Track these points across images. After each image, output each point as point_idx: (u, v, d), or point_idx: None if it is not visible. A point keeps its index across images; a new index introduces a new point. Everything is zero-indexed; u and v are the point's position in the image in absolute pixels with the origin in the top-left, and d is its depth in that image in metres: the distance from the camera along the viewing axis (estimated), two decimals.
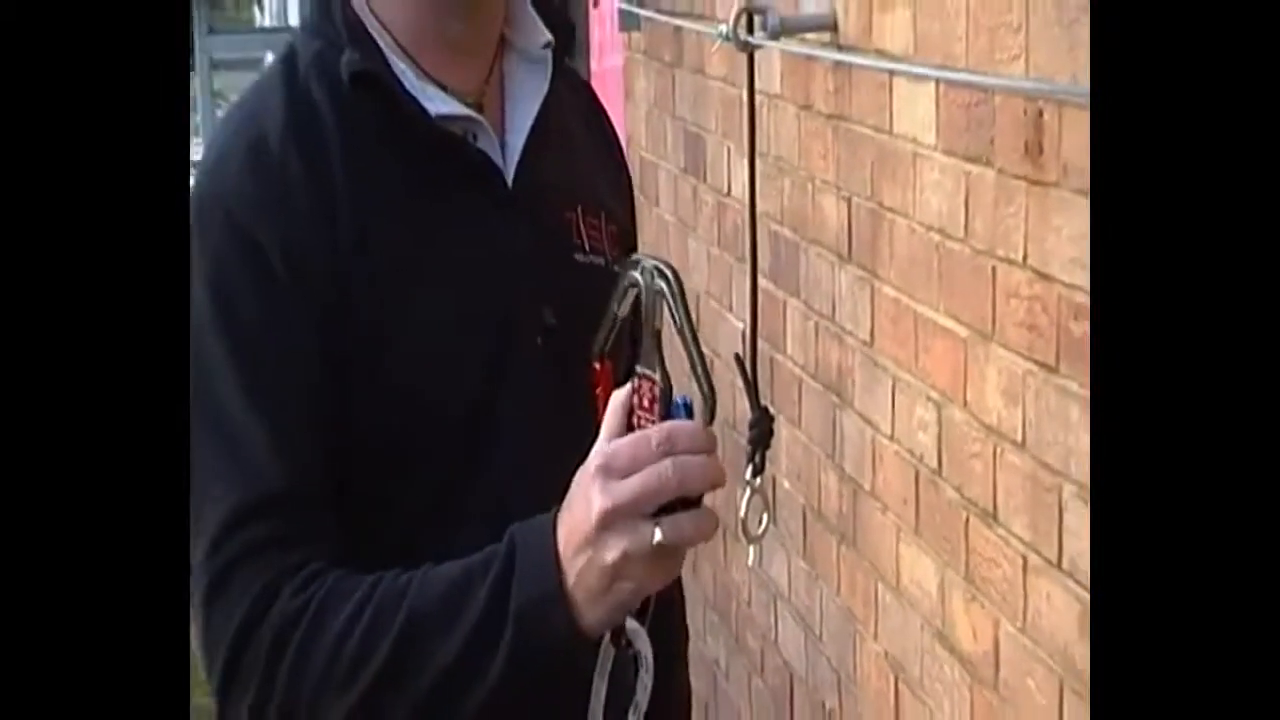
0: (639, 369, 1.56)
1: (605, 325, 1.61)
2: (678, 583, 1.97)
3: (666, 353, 1.55)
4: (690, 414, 1.55)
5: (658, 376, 1.54)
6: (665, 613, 1.74)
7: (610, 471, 1.50)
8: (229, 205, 1.69)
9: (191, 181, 1.65)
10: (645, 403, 1.55)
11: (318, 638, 1.58)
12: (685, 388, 1.57)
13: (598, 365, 1.62)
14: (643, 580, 1.53)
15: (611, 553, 1.50)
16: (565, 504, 1.55)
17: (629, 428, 1.56)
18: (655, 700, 1.62)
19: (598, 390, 1.61)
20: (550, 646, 1.55)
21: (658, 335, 1.54)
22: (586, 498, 1.51)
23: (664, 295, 1.53)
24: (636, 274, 1.56)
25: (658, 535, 1.49)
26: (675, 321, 1.53)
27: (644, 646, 1.59)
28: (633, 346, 1.60)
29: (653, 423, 1.54)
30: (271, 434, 1.64)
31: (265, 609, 1.59)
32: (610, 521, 1.49)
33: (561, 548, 1.54)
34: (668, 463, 1.48)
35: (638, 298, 1.57)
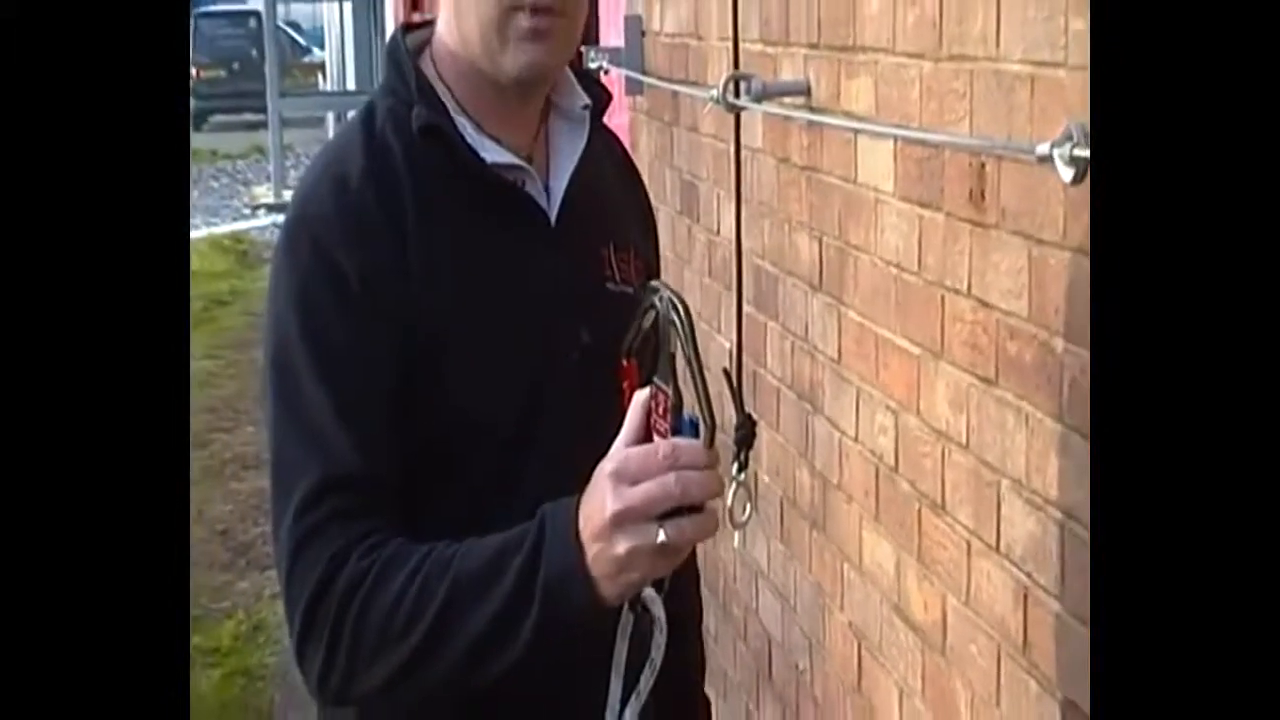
0: (656, 380, 1.56)
1: (632, 330, 1.60)
2: (692, 558, 1.97)
3: (678, 373, 1.55)
4: (696, 432, 1.54)
5: (670, 391, 1.54)
6: (680, 584, 1.72)
7: (622, 477, 1.50)
8: (315, 232, 1.71)
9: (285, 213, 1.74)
10: (660, 410, 1.55)
11: (378, 597, 1.60)
12: (693, 404, 1.56)
13: (625, 362, 1.62)
14: (648, 571, 1.53)
15: (621, 547, 1.49)
16: (586, 494, 1.54)
17: (646, 429, 1.55)
18: (670, 661, 1.61)
19: (625, 384, 1.61)
20: (571, 614, 1.55)
21: (671, 357, 1.54)
22: (601, 497, 1.51)
23: (675, 326, 1.53)
24: (655, 299, 1.56)
25: (662, 536, 1.49)
26: (684, 352, 1.52)
27: (659, 612, 1.59)
28: (654, 356, 1.59)
29: (664, 431, 1.54)
30: (346, 426, 1.65)
31: (337, 570, 1.61)
32: (620, 522, 1.49)
33: (583, 534, 1.53)
34: (672, 475, 1.48)
35: (655, 319, 1.56)
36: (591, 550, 1.52)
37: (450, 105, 1.77)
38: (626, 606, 1.61)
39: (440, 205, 1.75)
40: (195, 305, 12.40)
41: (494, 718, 1.73)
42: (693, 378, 1.51)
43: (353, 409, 1.67)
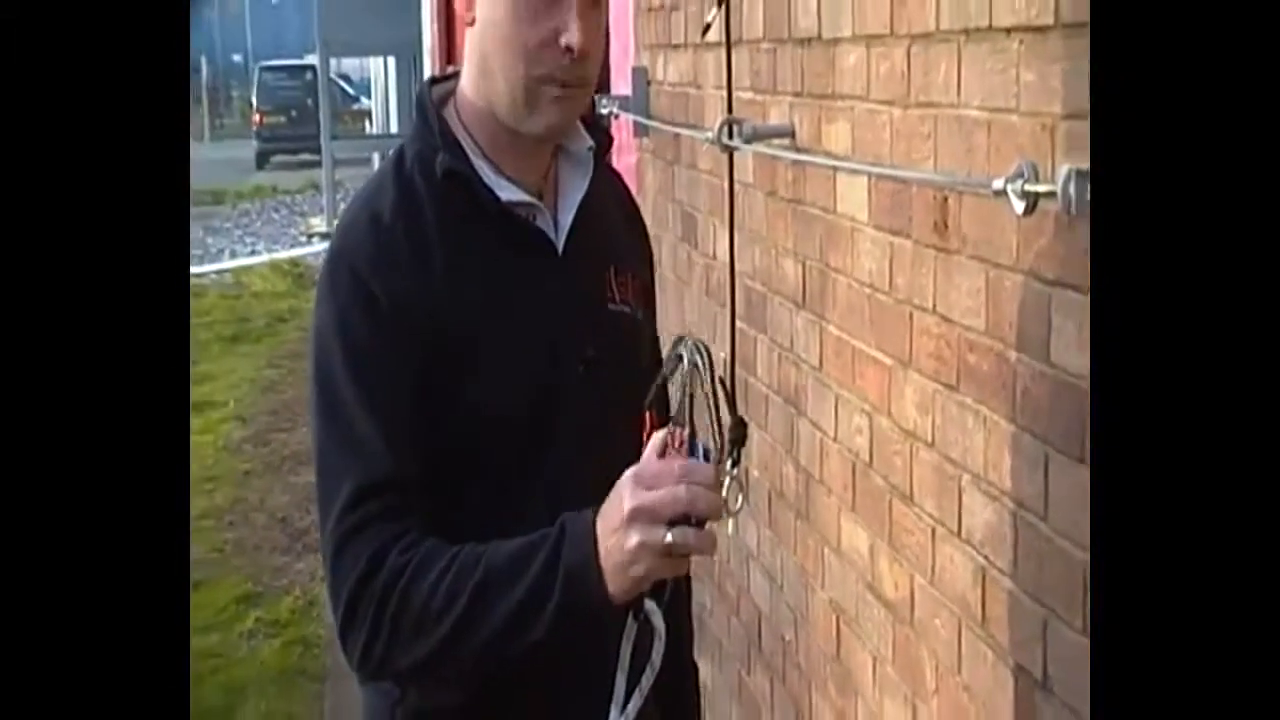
0: (673, 420, 1.58)
1: (654, 387, 1.63)
2: (688, 582, 1.98)
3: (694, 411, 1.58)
4: (708, 458, 1.56)
5: (686, 430, 1.56)
6: (676, 601, 1.73)
7: (640, 480, 1.52)
8: (352, 263, 1.71)
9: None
10: (676, 444, 1.57)
11: (416, 589, 1.60)
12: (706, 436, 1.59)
13: (646, 415, 1.63)
14: (652, 567, 1.53)
15: (632, 540, 1.51)
16: (606, 501, 1.56)
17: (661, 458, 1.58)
18: (667, 668, 1.63)
19: (644, 434, 1.62)
20: (586, 601, 1.56)
21: (691, 398, 1.56)
22: (620, 497, 1.52)
23: (697, 369, 1.55)
24: (681, 349, 1.58)
25: (668, 537, 1.50)
26: (703, 389, 1.55)
27: (659, 623, 1.60)
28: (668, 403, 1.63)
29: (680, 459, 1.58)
30: (383, 436, 1.65)
31: (378, 566, 1.61)
32: (634, 518, 1.51)
33: (599, 532, 1.55)
34: (683, 487, 1.50)
35: (677, 371, 1.59)
36: (606, 544, 1.54)
37: (470, 150, 1.77)
38: (630, 616, 1.62)
39: (462, 238, 1.74)
40: (259, 322, 12.50)
41: (514, 691, 1.72)
42: (711, 408, 1.55)
43: (386, 420, 1.66)
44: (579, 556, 1.56)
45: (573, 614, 1.58)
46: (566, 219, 1.81)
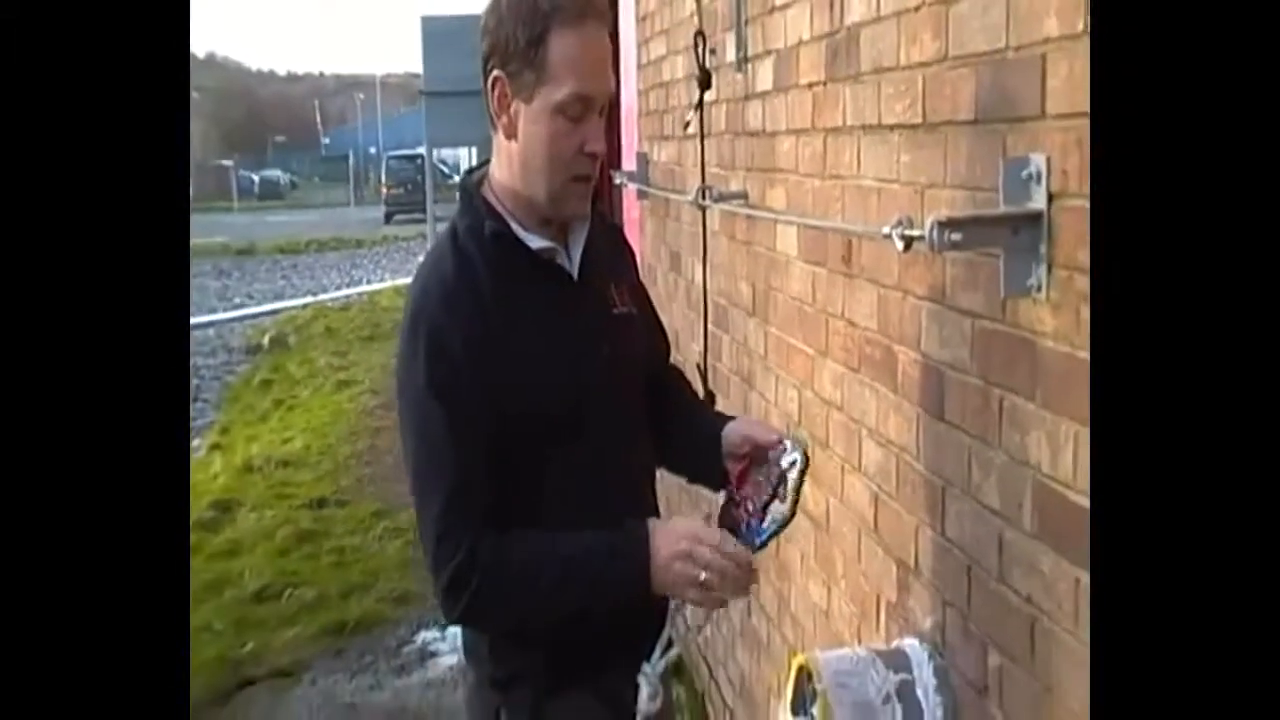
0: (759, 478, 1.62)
1: (776, 468, 1.62)
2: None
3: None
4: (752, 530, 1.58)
5: (764, 496, 1.59)
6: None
7: (700, 539, 1.55)
8: (430, 317, 1.61)
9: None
10: (746, 515, 1.60)
11: (504, 574, 1.55)
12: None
13: (736, 465, 1.68)
14: (681, 584, 1.54)
15: (677, 564, 1.53)
16: (670, 525, 1.57)
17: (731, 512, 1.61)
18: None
19: (735, 478, 1.68)
20: (635, 595, 1.56)
21: (784, 477, 1.57)
22: (690, 531, 1.55)
23: (798, 467, 1.58)
24: (800, 451, 1.59)
25: (702, 576, 1.53)
26: (795, 486, 1.57)
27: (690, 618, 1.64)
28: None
29: (747, 512, 1.60)
30: (465, 455, 1.57)
31: (471, 559, 1.55)
32: (684, 555, 1.53)
33: (657, 542, 1.55)
34: (729, 563, 1.54)
35: (785, 453, 1.60)
36: (661, 554, 1.54)
37: (506, 215, 1.68)
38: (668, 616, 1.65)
39: (506, 279, 1.65)
40: (386, 326, 12.38)
41: (580, 637, 1.66)
42: (793, 500, 1.56)
43: (465, 436, 1.56)
44: (634, 566, 1.54)
45: (624, 602, 1.57)
46: (577, 254, 1.73)
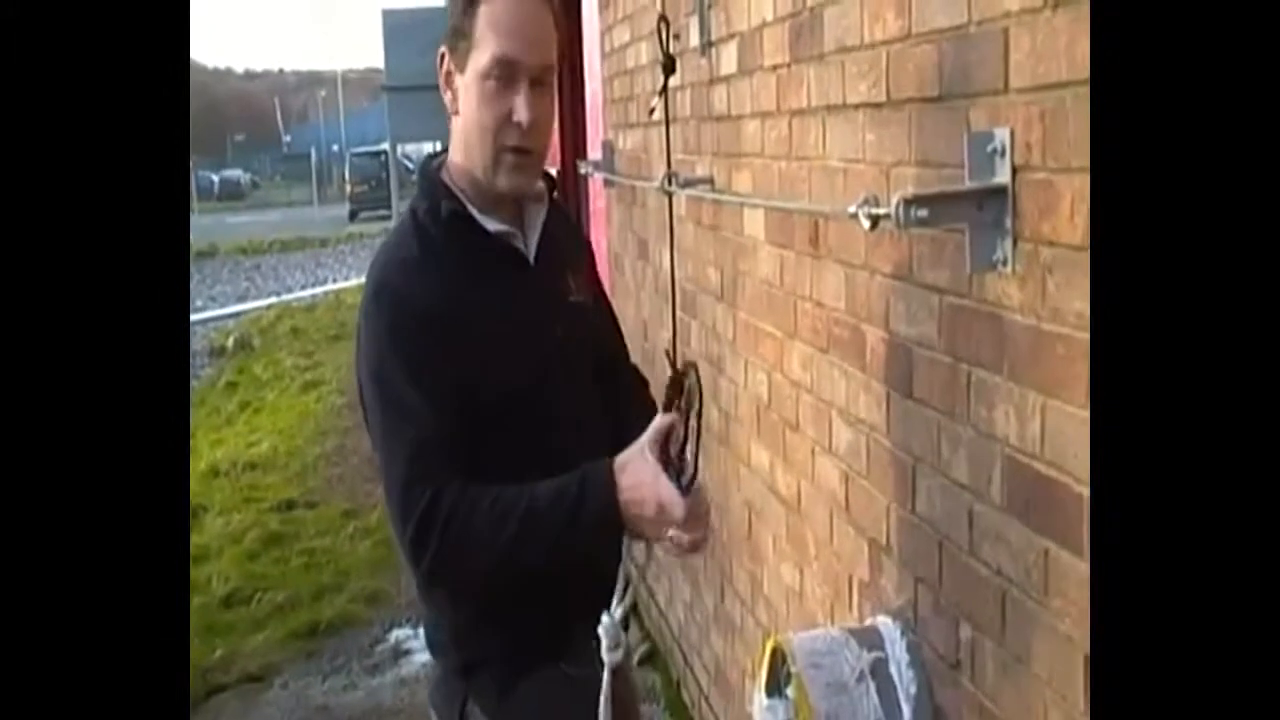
0: (676, 411, 1.59)
1: (669, 385, 1.62)
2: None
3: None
4: (683, 462, 1.56)
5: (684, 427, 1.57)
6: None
7: (664, 512, 1.52)
8: (392, 289, 1.62)
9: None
10: (677, 443, 1.57)
11: (473, 518, 1.53)
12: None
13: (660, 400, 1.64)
14: (649, 516, 1.52)
15: (647, 510, 1.52)
16: (630, 466, 1.53)
17: (663, 444, 1.56)
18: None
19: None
20: (606, 533, 1.55)
21: (687, 411, 1.57)
22: (654, 487, 1.51)
23: (699, 395, 1.57)
24: (694, 373, 1.58)
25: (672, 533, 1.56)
26: (696, 414, 1.57)
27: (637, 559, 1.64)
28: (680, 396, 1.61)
29: (673, 455, 1.56)
30: (429, 409, 1.57)
31: (437, 502, 1.53)
32: (653, 508, 1.52)
33: (623, 483, 1.52)
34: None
35: (696, 382, 1.58)
36: (627, 497, 1.52)
37: (464, 198, 1.69)
38: (624, 557, 1.63)
39: (465, 260, 1.67)
40: (352, 328, 12.27)
41: (537, 591, 1.65)
42: (697, 435, 1.56)
43: (429, 396, 1.57)
44: (601, 502, 1.52)
45: (594, 541, 1.55)
46: (533, 239, 1.74)
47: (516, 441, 1.65)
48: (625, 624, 1.65)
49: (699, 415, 1.56)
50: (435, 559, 1.55)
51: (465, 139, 1.68)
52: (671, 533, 1.54)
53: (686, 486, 1.52)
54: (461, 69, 1.64)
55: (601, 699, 1.61)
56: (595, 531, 1.54)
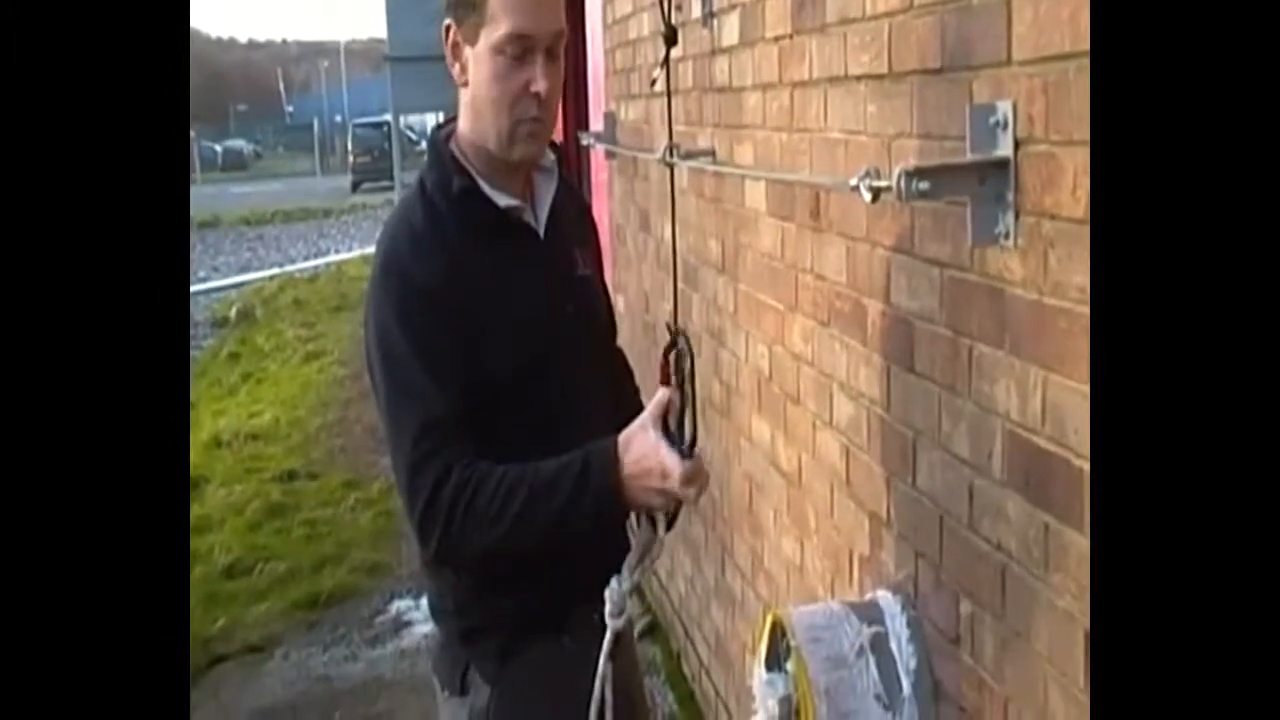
0: (674, 384, 1.60)
1: (665, 353, 1.63)
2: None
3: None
4: (681, 429, 1.59)
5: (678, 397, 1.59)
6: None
7: (666, 480, 1.54)
8: (400, 262, 1.63)
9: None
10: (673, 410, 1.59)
11: (479, 496, 1.55)
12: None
13: (664, 360, 1.64)
14: (654, 488, 1.55)
15: (653, 479, 1.55)
16: (633, 441, 1.55)
17: (663, 416, 1.58)
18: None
19: (658, 379, 1.63)
20: (609, 512, 1.58)
21: (682, 378, 1.59)
22: (657, 457, 1.54)
23: (690, 362, 1.59)
24: (684, 341, 1.60)
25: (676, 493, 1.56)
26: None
27: (661, 530, 1.65)
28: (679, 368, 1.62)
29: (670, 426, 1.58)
30: (436, 388, 1.58)
31: (445, 479, 1.55)
32: (658, 477, 1.54)
33: (626, 460, 1.55)
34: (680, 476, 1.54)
35: (676, 349, 1.60)
36: (629, 473, 1.55)
37: (473, 171, 1.70)
38: (636, 523, 1.66)
39: (474, 234, 1.67)
40: (354, 296, 12.24)
41: (542, 564, 1.66)
42: (692, 401, 1.59)
43: (436, 374, 1.58)
44: (606, 478, 1.54)
45: (597, 520, 1.57)
46: (543, 214, 1.75)
47: (528, 416, 1.65)
48: (639, 593, 1.67)
49: (691, 379, 1.57)
50: (443, 537, 1.57)
51: (476, 110, 1.67)
52: (675, 488, 1.55)
53: (687, 451, 1.56)
54: (471, 41, 1.63)
55: (601, 660, 1.62)
56: (600, 507, 1.55)
